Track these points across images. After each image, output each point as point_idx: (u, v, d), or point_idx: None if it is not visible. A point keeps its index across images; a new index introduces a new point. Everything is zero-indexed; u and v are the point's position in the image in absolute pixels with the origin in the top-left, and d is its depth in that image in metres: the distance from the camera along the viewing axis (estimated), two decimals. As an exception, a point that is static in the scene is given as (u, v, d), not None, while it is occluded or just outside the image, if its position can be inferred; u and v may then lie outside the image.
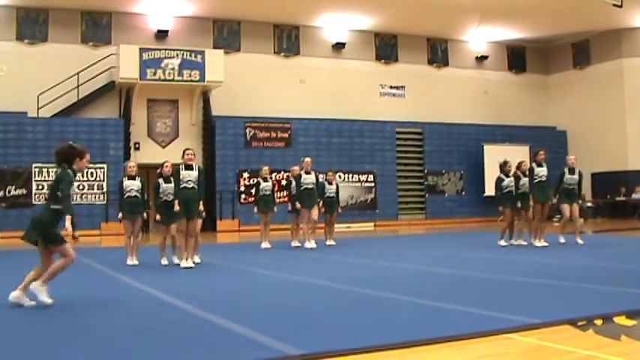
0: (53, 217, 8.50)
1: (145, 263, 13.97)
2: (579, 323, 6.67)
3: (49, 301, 8.32)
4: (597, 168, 36.19)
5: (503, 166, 17.93)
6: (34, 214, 9.19)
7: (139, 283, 10.91)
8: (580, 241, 17.00)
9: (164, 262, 13.77)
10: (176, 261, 13.87)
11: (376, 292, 9.06)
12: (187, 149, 13.91)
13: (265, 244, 18.35)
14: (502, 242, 17.37)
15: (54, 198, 8.52)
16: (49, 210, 8.49)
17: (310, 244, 17.96)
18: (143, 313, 8.12)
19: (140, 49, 28.67)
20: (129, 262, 14.01)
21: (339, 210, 20.27)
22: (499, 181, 17.71)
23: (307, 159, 18.74)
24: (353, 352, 5.60)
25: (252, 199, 20.54)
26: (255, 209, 18.99)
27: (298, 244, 18.40)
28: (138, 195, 14.14)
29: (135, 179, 14.28)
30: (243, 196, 30.25)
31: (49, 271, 8.47)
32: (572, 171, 17.71)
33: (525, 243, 17.23)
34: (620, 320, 6.85)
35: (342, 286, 9.87)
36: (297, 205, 18.14)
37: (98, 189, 28.01)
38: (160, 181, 14.07)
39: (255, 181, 19.57)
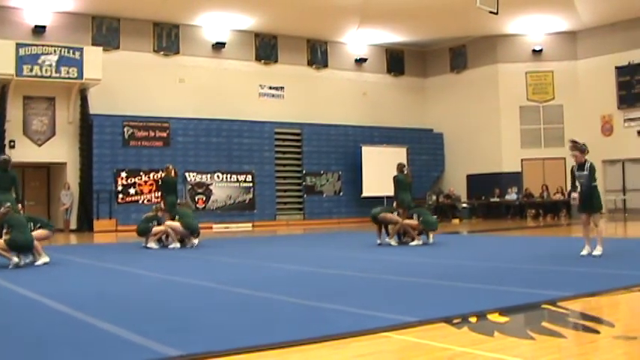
0: None
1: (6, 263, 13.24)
2: (454, 321, 6.83)
3: None
4: (472, 170, 37.15)
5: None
6: None
7: (7, 282, 10.70)
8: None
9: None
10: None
11: (255, 292, 9.13)
12: None
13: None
14: (392, 241, 17.65)
15: None
16: None
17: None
18: (13, 314, 7.95)
19: (16, 44, 27.80)
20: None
21: None
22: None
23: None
24: (232, 352, 5.62)
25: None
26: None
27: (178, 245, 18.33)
28: None
29: None
30: (120, 195, 29.90)
31: None
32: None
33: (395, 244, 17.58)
34: (494, 317, 7.06)
35: (221, 287, 9.90)
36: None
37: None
38: None
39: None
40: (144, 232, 18.62)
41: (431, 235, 17.65)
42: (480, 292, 8.90)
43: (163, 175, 20.37)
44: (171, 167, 19.92)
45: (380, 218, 17.85)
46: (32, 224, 13.87)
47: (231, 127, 32.92)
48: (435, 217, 19.05)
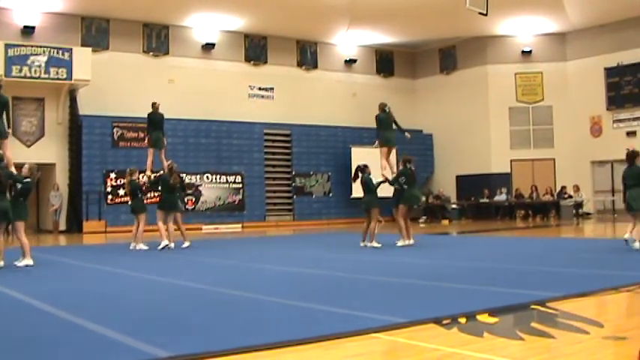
0: None
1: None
2: (444, 322, 6.83)
3: None
4: (462, 170, 37.24)
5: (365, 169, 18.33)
6: None
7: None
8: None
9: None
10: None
11: (244, 293, 9.11)
12: None
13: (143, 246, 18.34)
14: (375, 244, 17.49)
15: None
16: None
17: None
18: (0, 316, 7.91)
19: (5, 44, 27.78)
20: None
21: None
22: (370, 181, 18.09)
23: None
24: (223, 353, 5.61)
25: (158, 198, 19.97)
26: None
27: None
28: None
29: None
30: (110, 196, 29.83)
31: None
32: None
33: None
34: (483, 318, 7.07)
35: (211, 288, 9.89)
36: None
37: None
38: None
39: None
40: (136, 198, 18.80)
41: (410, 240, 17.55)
42: (469, 292, 8.91)
43: (150, 112, 20.51)
44: (157, 104, 19.99)
45: (370, 210, 17.70)
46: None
47: (220, 127, 32.90)
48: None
